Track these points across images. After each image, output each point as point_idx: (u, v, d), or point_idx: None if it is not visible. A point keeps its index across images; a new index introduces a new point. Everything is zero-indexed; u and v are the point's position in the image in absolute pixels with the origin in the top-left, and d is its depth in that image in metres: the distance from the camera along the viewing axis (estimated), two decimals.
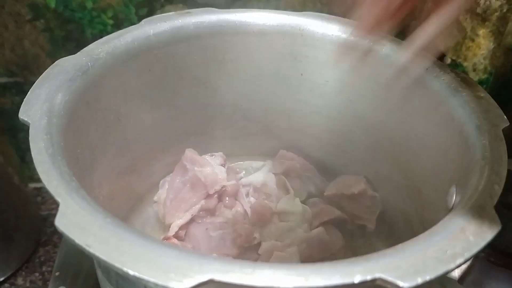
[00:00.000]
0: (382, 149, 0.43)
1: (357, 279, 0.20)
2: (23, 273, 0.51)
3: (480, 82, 0.53)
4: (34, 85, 0.31)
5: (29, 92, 0.30)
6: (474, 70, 0.53)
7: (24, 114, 0.28)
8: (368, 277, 0.20)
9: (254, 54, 0.45)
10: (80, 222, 0.21)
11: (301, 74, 0.46)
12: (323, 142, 0.49)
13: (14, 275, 0.50)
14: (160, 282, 0.19)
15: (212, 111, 0.48)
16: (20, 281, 0.50)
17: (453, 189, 0.32)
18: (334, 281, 0.20)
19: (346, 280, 0.20)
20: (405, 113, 0.40)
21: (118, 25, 0.50)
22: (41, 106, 0.29)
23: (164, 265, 0.19)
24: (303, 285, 0.19)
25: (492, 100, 0.33)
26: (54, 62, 0.33)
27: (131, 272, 0.19)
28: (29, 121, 0.27)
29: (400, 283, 0.20)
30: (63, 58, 0.34)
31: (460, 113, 0.33)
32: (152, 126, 0.44)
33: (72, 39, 0.34)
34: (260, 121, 0.50)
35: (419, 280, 0.20)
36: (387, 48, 0.40)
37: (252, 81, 0.47)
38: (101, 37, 0.37)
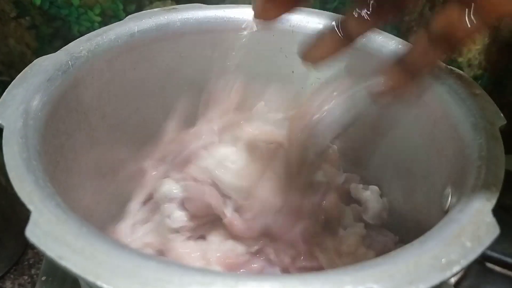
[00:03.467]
0: (376, 148, 0.42)
1: None
2: (12, 276, 0.50)
3: (475, 78, 0.53)
4: (10, 85, 0.29)
5: (4, 93, 0.28)
6: (469, 65, 0.52)
7: None
8: None
9: (243, 51, 0.43)
10: (53, 232, 0.20)
11: (292, 72, 0.45)
12: None
13: (2, 278, 0.49)
14: None
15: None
16: (8, 284, 0.49)
17: (448, 191, 0.31)
18: None
19: None
20: (398, 111, 0.39)
21: (106, 22, 0.48)
22: (17, 108, 0.27)
23: (142, 277, 0.18)
24: None
25: (488, 97, 0.32)
26: None
27: (105, 286, 0.18)
28: (3, 124, 0.26)
29: None
30: (41, 57, 0.32)
31: (455, 111, 0.32)
32: (138, 126, 0.42)
33: (59, 36, 0.33)
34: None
35: None
36: (379, 44, 0.39)
37: (241, 78, 0.45)
38: None
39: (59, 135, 0.31)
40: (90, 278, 0.18)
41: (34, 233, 0.20)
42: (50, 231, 0.20)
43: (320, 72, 0.43)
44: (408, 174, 0.39)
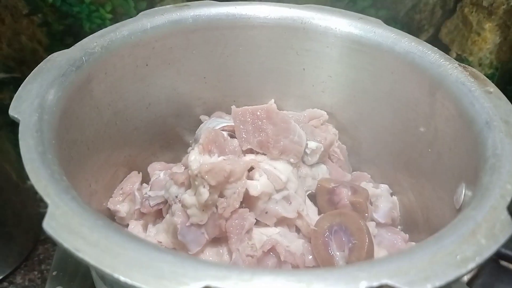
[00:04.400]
0: (387, 146, 0.42)
1: (362, 285, 0.19)
2: (22, 271, 0.50)
3: (486, 77, 0.52)
4: (25, 80, 0.29)
5: (20, 88, 0.29)
6: (480, 65, 0.52)
7: (14, 110, 0.27)
8: (375, 284, 0.19)
9: (254, 48, 0.43)
10: (69, 225, 0.20)
11: (303, 69, 0.44)
12: None
13: (12, 273, 0.49)
14: None
15: (211, 107, 0.47)
16: (19, 279, 0.49)
17: (461, 188, 0.31)
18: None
19: (351, 287, 0.19)
20: (410, 109, 0.39)
21: (117, 19, 0.49)
22: (32, 102, 0.28)
23: (157, 270, 0.18)
24: None
25: (502, 95, 0.32)
26: None
27: (122, 278, 0.18)
28: (19, 118, 0.26)
29: None
30: (56, 52, 0.33)
31: (469, 109, 0.32)
32: (149, 122, 0.43)
33: (70, 33, 0.33)
34: None
35: (429, 287, 0.19)
36: (392, 41, 0.39)
37: (252, 76, 0.45)
38: None
39: (72, 130, 0.31)
40: (107, 270, 0.18)
41: (51, 225, 0.20)
42: (67, 224, 0.20)
43: (331, 70, 0.44)
44: (419, 172, 0.39)
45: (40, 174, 0.23)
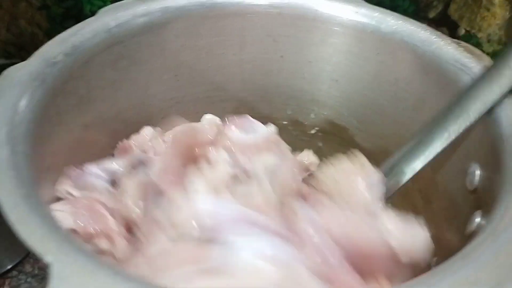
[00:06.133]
0: (377, 131, 0.41)
1: None
2: (31, 260, 0.46)
3: (494, 54, 0.51)
4: None
5: None
6: (489, 41, 0.51)
7: None
8: None
9: (229, 38, 0.40)
10: (84, 286, 0.17)
11: (281, 56, 0.42)
12: None
13: (21, 262, 0.46)
14: None
15: (185, 107, 0.43)
16: (28, 268, 0.46)
17: (473, 169, 0.30)
18: None
19: None
20: (400, 89, 0.38)
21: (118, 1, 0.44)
22: None
23: None
24: None
25: None
26: None
27: None
28: None
29: None
30: (12, 66, 0.28)
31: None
32: (121, 132, 0.38)
33: (70, 16, 0.31)
34: (237, 112, 0.46)
35: None
36: (376, 21, 0.37)
37: (227, 68, 0.42)
38: None
39: (46, 157, 0.27)
40: None
41: None
42: (81, 286, 0.17)
43: (312, 56, 0.41)
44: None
45: (31, 226, 0.19)
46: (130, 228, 0.27)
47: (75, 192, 0.28)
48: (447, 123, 0.30)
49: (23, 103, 0.26)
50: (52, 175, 0.27)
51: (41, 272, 0.45)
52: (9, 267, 0.45)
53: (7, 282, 0.44)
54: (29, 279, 0.45)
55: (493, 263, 0.19)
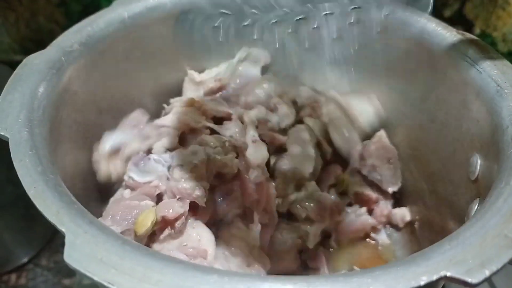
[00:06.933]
0: (384, 120, 0.42)
1: (423, 281, 0.18)
2: (47, 253, 0.48)
3: (510, 53, 0.51)
4: (4, 90, 0.26)
5: None
6: (503, 40, 0.50)
7: None
8: (434, 277, 0.18)
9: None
10: (94, 254, 0.18)
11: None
12: None
13: (37, 255, 0.47)
14: None
15: None
16: (43, 261, 0.47)
17: (475, 159, 0.30)
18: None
19: (413, 284, 0.18)
20: (408, 81, 0.38)
21: None
22: (17, 116, 0.24)
23: None
24: None
25: (506, 61, 0.31)
26: None
27: None
28: (7, 135, 0.23)
29: (468, 279, 0.18)
30: (31, 55, 0.29)
31: (474, 77, 0.31)
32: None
33: (88, 13, 0.32)
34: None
35: (487, 273, 0.18)
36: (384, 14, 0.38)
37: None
38: None
39: (62, 140, 0.28)
40: None
41: (74, 257, 0.18)
42: (91, 253, 0.18)
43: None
44: (420, 144, 0.38)
45: (48, 199, 0.20)
46: None
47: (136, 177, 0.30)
48: None
49: (41, 89, 0.27)
50: (67, 156, 0.28)
51: (56, 265, 0.46)
52: (25, 260, 0.46)
53: (23, 275, 0.45)
54: (45, 272, 0.46)
55: (480, 245, 0.19)
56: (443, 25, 0.35)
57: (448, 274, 0.18)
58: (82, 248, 0.18)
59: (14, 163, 0.22)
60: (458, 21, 0.36)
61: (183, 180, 0.29)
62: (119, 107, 0.37)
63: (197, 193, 0.29)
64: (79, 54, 0.31)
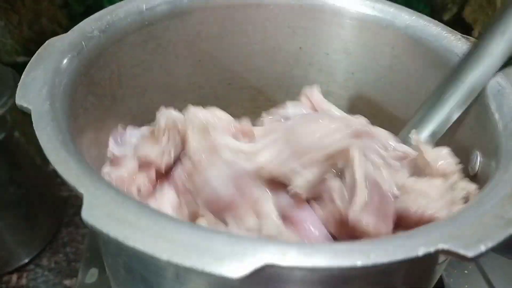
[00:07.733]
0: (390, 123, 0.43)
1: (421, 251, 0.19)
2: (48, 254, 0.49)
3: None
4: (27, 67, 0.27)
5: (23, 75, 0.27)
6: None
7: (22, 99, 0.25)
8: (432, 249, 0.19)
9: (250, 28, 0.42)
10: (112, 213, 0.19)
11: (300, 48, 0.44)
12: None
13: (38, 256, 0.49)
14: (215, 271, 0.17)
15: (206, 92, 0.46)
16: (45, 261, 0.48)
17: (475, 156, 0.31)
18: (398, 256, 0.18)
19: (410, 254, 0.19)
20: (412, 82, 0.39)
21: None
22: (40, 90, 0.26)
23: (217, 252, 0.18)
24: (366, 263, 0.18)
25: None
26: None
27: (187, 263, 0.17)
28: (30, 107, 0.25)
29: (464, 253, 0.19)
30: (54, 37, 0.31)
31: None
32: (147, 109, 0.41)
33: (91, 15, 0.33)
34: (255, 100, 0.48)
35: (483, 248, 0.19)
36: (391, 16, 0.39)
37: (247, 57, 0.44)
38: None
39: (79, 119, 0.30)
40: (164, 256, 0.17)
41: (92, 215, 0.19)
42: (109, 213, 0.19)
43: (329, 48, 0.43)
44: None
45: (68, 164, 0.21)
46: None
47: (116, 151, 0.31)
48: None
49: (62, 67, 0.28)
50: (85, 128, 0.29)
51: (58, 265, 0.48)
52: (26, 261, 0.47)
53: (24, 275, 0.46)
54: (45, 273, 0.47)
55: (477, 224, 0.20)
56: (448, 29, 0.36)
57: (446, 247, 0.19)
58: (100, 208, 0.19)
59: (36, 132, 0.23)
60: (457, 24, 0.37)
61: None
62: (132, 97, 0.39)
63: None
64: (98, 41, 0.33)
